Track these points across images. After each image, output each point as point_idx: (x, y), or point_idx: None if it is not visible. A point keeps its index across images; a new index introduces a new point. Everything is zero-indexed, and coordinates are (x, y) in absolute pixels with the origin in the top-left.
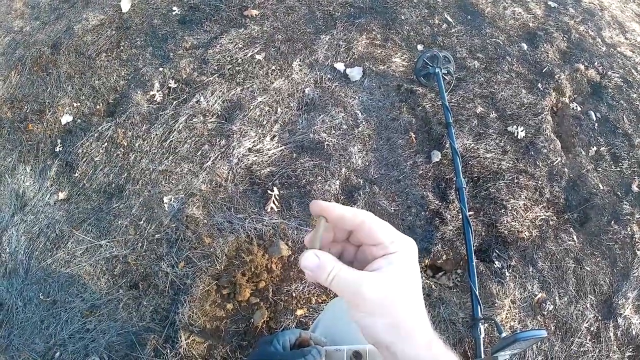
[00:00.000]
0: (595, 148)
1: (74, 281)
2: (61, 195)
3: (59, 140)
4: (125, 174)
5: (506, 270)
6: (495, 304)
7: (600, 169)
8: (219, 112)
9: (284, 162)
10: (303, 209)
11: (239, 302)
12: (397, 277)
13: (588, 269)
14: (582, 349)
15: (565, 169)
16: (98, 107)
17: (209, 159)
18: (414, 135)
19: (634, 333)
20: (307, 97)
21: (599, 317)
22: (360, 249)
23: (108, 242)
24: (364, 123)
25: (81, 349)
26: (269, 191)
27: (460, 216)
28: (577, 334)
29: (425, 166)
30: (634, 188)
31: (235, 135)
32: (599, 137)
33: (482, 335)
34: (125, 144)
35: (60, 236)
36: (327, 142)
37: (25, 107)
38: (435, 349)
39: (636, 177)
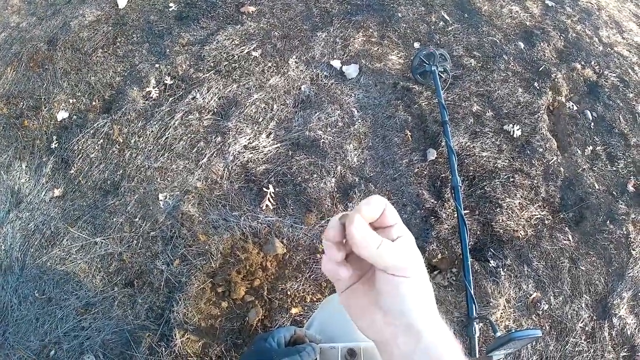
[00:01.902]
0: (591, 147)
1: (69, 279)
2: (57, 192)
3: (54, 137)
4: (121, 171)
5: (501, 269)
6: (490, 303)
7: (596, 169)
8: (215, 109)
9: (279, 159)
10: (298, 206)
11: (234, 300)
12: (419, 254)
13: (583, 268)
14: (577, 349)
15: (561, 168)
16: (94, 103)
17: (205, 156)
18: (409, 133)
19: (628, 333)
20: (303, 94)
21: (594, 317)
22: None
23: (103, 239)
24: (359, 121)
25: (76, 346)
26: (264, 189)
27: (456, 215)
28: (572, 334)
29: (421, 164)
30: (630, 188)
31: (231, 132)
32: (595, 137)
33: (477, 334)
34: (121, 141)
35: (55, 233)
36: (322, 140)
37: (21, 103)
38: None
39: (632, 177)
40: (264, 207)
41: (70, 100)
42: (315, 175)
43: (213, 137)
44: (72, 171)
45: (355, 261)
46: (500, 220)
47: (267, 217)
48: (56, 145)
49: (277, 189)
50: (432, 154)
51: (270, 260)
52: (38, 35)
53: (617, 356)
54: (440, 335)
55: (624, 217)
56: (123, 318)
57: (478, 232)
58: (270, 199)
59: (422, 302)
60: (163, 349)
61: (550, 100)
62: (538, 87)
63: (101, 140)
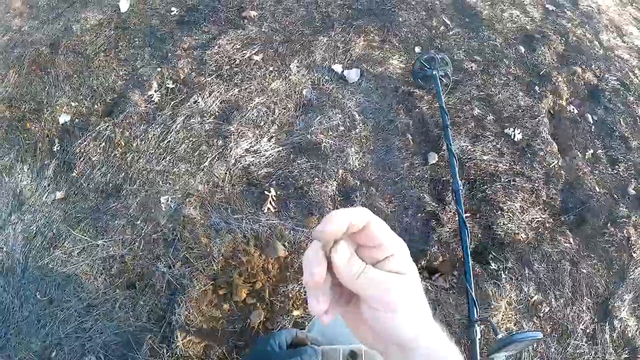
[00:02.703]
0: (591, 151)
1: (71, 280)
2: (59, 195)
3: (56, 140)
4: (123, 174)
5: (502, 272)
6: (492, 306)
7: (596, 172)
8: (217, 113)
9: (281, 163)
10: (300, 209)
11: (236, 302)
12: (415, 277)
13: (584, 271)
14: (578, 351)
15: (562, 172)
16: (96, 106)
17: (207, 160)
18: (411, 137)
19: (630, 335)
20: (305, 98)
21: (595, 319)
22: (358, 249)
23: (105, 241)
24: (361, 125)
25: (78, 348)
26: (265, 192)
27: (457, 218)
28: (573, 336)
29: (422, 168)
30: (631, 191)
31: (232, 136)
32: (595, 140)
33: (479, 336)
34: (123, 144)
35: (57, 235)
36: (324, 144)
37: (23, 106)
38: (451, 345)
39: (633, 180)
40: (265, 210)
41: (73, 104)
42: (316, 179)
43: (215, 140)
44: (74, 174)
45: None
46: (501, 223)
47: (269, 220)
48: (58, 148)
49: (278, 192)
50: (433, 158)
51: (271, 263)
52: (40, 38)
53: (618, 358)
54: (436, 345)
55: (625, 219)
56: (124, 320)
57: (479, 235)
58: (272, 202)
59: (415, 328)
60: (164, 350)
61: (551, 104)
62: (539, 91)
63: (103, 144)
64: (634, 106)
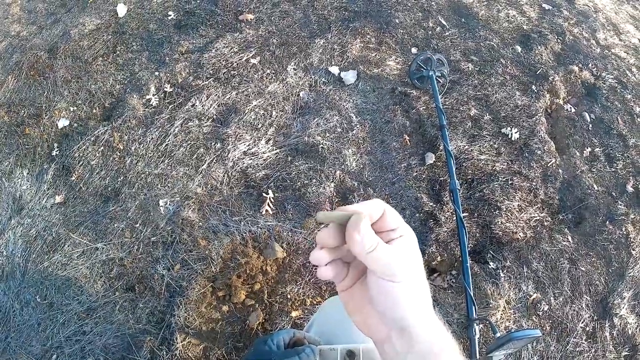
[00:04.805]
0: (589, 149)
1: (71, 284)
2: (58, 199)
3: (55, 144)
4: (122, 178)
5: (501, 270)
6: (490, 305)
7: (594, 170)
8: (215, 116)
9: (278, 165)
10: (298, 211)
11: (235, 304)
12: (420, 261)
13: (583, 269)
14: (577, 349)
15: (560, 170)
16: (94, 111)
17: (205, 162)
18: (408, 138)
19: (630, 333)
20: (302, 100)
21: (595, 317)
22: None
23: (104, 244)
24: (358, 126)
25: (78, 351)
26: (264, 194)
27: (454, 218)
28: (573, 334)
29: (419, 168)
30: (629, 188)
31: (230, 139)
32: (593, 138)
33: (477, 335)
34: (122, 148)
35: (57, 239)
36: (321, 145)
37: (22, 111)
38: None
39: (631, 178)
40: (263, 212)
41: (71, 108)
42: (314, 180)
43: (213, 143)
44: (73, 178)
45: (356, 261)
46: (499, 223)
47: (267, 221)
48: (57, 153)
49: (276, 194)
50: (430, 158)
51: (270, 265)
52: (39, 43)
53: (618, 356)
54: (436, 336)
55: (623, 217)
56: (124, 322)
57: (477, 235)
58: (270, 204)
59: (416, 306)
60: (164, 352)
61: (548, 103)
62: (536, 90)
63: (102, 148)
64: (632, 104)
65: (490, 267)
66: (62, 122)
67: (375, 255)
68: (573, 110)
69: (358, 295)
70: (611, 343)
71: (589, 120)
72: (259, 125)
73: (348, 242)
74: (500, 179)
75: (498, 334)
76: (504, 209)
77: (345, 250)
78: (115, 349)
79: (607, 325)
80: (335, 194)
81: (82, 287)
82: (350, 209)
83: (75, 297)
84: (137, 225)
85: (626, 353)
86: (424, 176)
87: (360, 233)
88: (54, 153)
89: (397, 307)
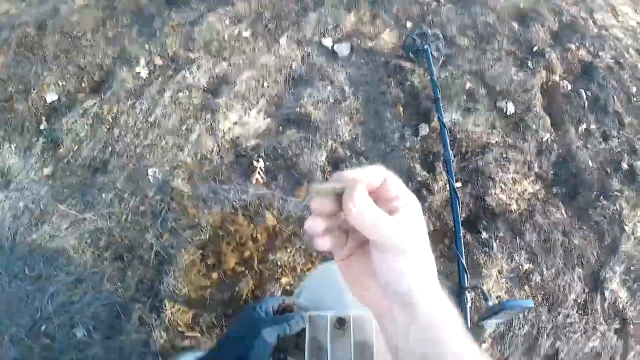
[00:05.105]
0: (585, 125)
1: (59, 255)
2: (46, 171)
3: (43, 118)
4: (110, 149)
5: (493, 240)
6: (482, 274)
7: (589, 146)
8: (205, 87)
9: (270, 134)
10: (289, 180)
11: (224, 271)
12: (424, 231)
13: (576, 242)
14: (568, 320)
15: (555, 145)
16: (83, 85)
17: (194, 132)
18: (402, 109)
19: (620, 306)
20: (294, 72)
21: (586, 290)
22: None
23: (93, 215)
24: (351, 97)
25: (67, 321)
26: (254, 163)
27: (448, 188)
28: (564, 305)
29: (413, 139)
30: (624, 165)
31: (221, 109)
32: (589, 115)
33: (469, 304)
34: (110, 120)
35: (45, 211)
36: (313, 115)
37: (10, 87)
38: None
39: (626, 155)
40: (254, 181)
41: (60, 83)
42: (306, 150)
43: (203, 114)
44: (61, 150)
45: (354, 230)
46: (493, 194)
47: (257, 190)
48: (45, 126)
49: (267, 163)
50: (424, 129)
51: (260, 232)
52: (27, 20)
53: (608, 328)
54: (438, 308)
55: (617, 193)
56: (113, 292)
57: (470, 205)
58: (260, 173)
59: (421, 279)
60: (153, 320)
61: (544, 79)
62: (532, 67)
63: (90, 120)
64: (628, 84)
65: (483, 236)
66: (51, 96)
67: (377, 228)
68: (569, 87)
69: (357, 266)
70: (602, 316)
71: (585, 97)
72: (250, 96)
73: (345, 213)
74: (494, 151)
75: (490, 303)
76: (498, 181)
77: (342, 217)
78: (105, 317)
79: (598, 298)
80: (327, 163)
81: (70, 258)
82: (348, 175)
83: (63, 268)
84: (126, 195)
85: (616, 326)
86: (417, 147)
87: (356, 205)
88: (42, 127)
89: (401, 281)
